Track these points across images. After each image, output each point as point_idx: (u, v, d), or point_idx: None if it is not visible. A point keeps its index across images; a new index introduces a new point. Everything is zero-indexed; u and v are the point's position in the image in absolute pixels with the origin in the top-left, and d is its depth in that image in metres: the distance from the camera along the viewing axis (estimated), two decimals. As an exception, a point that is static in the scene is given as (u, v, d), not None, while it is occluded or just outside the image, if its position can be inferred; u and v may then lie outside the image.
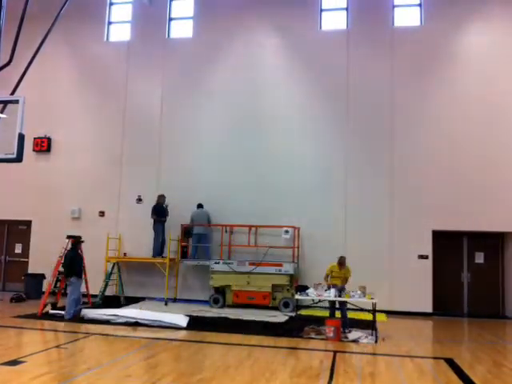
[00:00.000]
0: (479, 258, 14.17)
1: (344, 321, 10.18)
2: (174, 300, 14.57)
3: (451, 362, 8.00)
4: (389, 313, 13.12)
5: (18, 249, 16.76)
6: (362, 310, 10.45)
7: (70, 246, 12.25)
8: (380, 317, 11.75)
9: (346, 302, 10.24)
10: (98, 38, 16.74)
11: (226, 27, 15.47)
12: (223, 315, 12.08)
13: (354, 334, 9.78)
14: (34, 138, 16.16)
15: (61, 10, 9.23)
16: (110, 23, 17.01)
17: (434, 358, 8.69)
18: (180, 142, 15.59)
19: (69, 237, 12.64)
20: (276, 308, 13.26)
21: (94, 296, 14.02)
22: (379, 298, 10.25)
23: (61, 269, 12.54)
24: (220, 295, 13.69)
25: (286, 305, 13.16)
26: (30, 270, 15.77)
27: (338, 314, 11.25)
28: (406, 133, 14.23)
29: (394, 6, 15.03)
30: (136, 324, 10.58)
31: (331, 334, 9.47)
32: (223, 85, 15.44)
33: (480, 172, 13.68)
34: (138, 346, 8.73)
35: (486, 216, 13.50)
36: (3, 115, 7.53)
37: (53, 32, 9.18)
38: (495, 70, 13.97)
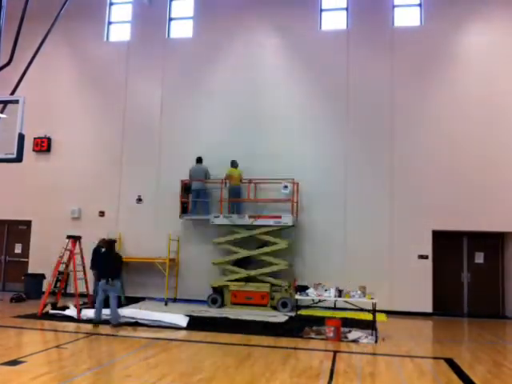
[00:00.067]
0: (479, 258, 14.18)
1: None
2: (174, 300, 14.59)
3: (451, 362, 7.99)
4: (389, 313, 13.12)
5: (18, 249, 16.76)
6: (361, 309, 10.45)
7: (98, 247, 12.29)
8: (380, 317, 11.75)
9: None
10: (98, 38, 16.75)
11: (225, 27, 15.48)
12: (223, 315, 12.08)
13: (354, 334, 9.77)
14: (34, 138, 16.16)
15: (61, 10, 9.22)
16: (109, 23, 17.02)
17: (434, 358, 8.68)
18: (180, 141, 15.60)
19: (69, 237, 12.59)
20: (274, 308, 13.27)
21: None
22: (379, 298, 10.26)
23: (61, 268, 12.47)
24: (218, 295, 13.69)
25: (284, 305, 13.16)
26: (30, 270, 15.77)
27: (336, 314, 11.28)
28: (406, 133, 14.23)
29: (393, 6, 15.04)
30: (136, 324, 10.58)
31: (331, 334, 9.46)
32: (223, 85, 15.44)
33: (480, 172, 13.69)
34: (138, 346, 8.73)
35: (485, 216, 13.50)
36: (3, 115, 7.53)
37: (53, 32, 9.18)
38: (495, 70, 13.98)
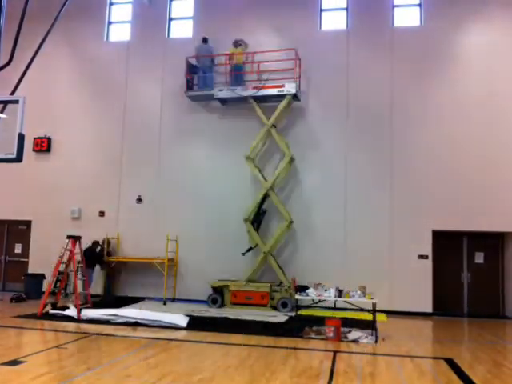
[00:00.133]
0: (479, 258, 14.18)
1: None
2: (173, 300, 14.60)
3: (451, 362, 7.99)
4: (389, 313, 13.12)
5: (18, 249, 16.76)
6: (362, 310, 10.44)
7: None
8: (380, 317, 11.75)
9: None
10: (98, 38, 16.75)
11: (225, 27, 15.46)
12: (223, 315, 12.08)
13: (353, 334, 9.77)
14: (34, 138, 16.17)
15: (61, 10, 9.22)
16: (109, 23, 17.02)
17: (434, 358, 8.68)
18: (180, 141, 15.59)
19: (69, 237, 12.59)
20: (274, 308, 13.27)
21: (94, 296, 14.06)
22: (379, 298, 10.25)
23: (61, 268, 12.52)
24: (218, 295, 13.69)
25: (284, 305, 13.16)
26: (30, 270, 15.77)
27: (336, 314, 11.29)
28: (406, 133, 14.23)
29: (393, 6, 15.03)
30: (136, 324, 10.58)
31: (331, 334, 9.47)
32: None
33: (480, 172, 13.68)
34: (138, 346, 8.73)
35: (485, 216, 13.50)
36: (3, 115, 7.52)
37: (53, 32, 9.17)
38: (495, 70, 13.97)
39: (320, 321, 10.49)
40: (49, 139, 16.36)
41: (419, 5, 14.91)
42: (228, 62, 14.84)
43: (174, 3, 16.68)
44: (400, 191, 14.07)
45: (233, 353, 8.34)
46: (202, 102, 15.45)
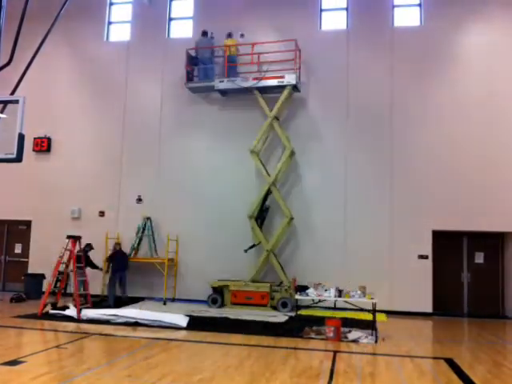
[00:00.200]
0: (479, 258, 14.18)
1: None
2: (173, 300, 14.60)
3: (451, 362, 7.99)
4: (389, 313, 13.12)
5: (18, 249, 16.76)
6: (362, 310, 10.44)
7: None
8: (380, 317, 11.75)
9: None
10: (98, 38, 16.75)
11: (225, 27, 15.42)
12: (223, 315, 12.08)
13: (353, 334, 9.77)
14: (34, 138, 16.17)
15: (61, 9, 9.21)
16: (109, 23, 17.02)
17: (434, 358, 8.68)
18: (180, 141, 15.60)
19: (69, 237, 12.59)
20: (274, 308, 13.27)
21: (94, 296, 14.06)
22: (379, 298, 10.25)
23: (61, 268, 12.56)
24: (218, 295, 13.69)
25: (284, 305, 13.16)
26: (30, 270, 15.77)
27: (336, 314, 11.29)
28: (406, 133, 14.23)
29: (393, 6, 15.03)
30: (136, 324, 10.59)
31: (331, 334, 9.46)
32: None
33: (480, 172, 13.68)
34: (138, 346, 8.73)
35: (486, 216, 13.50)
36: (3, 115, 7.52)
37: (53, 32, 9.16)
38: (495, 70, 13.97)
39: (320, 321, 10.49)
40: (49, 139, 16.36)
41: (419, 5, 14.91)
42: (222, 54, 15.03)
43: (173, 3, 16.68)
44: (400, 191, 14.07)
45: (233, 353, 8.34)
46: (203, 93, 15.49)
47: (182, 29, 16.38)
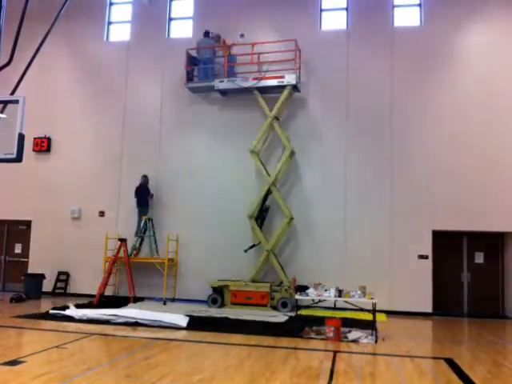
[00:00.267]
0: (479, 258, 14.18)
1: None
2: (173, 300, 14.60)
3: (451, 362, 7.98)
4: (389, 313, 13.12)
5: (18, 249, 16.76)
6: (362, 310, 10.44)
7: None
8: (380, 317, 11.75)
9: None
10: (98, 38, 16.76)
11: (225, 27, 15.45)
12: (223, 315, 12.08)
13: (353, 334, 9.76)
14: (34, 138, 16.17)
15: (61, 9, 9.22)
16: (109, 23, 17.03)
17: (434, 358, 8.68)
18: (180, 141, 15.60)
19: (121, 240, 14.14)
20: (274, 308, 13.27)
21: (93, 296, 14.07)
22: (379, 298, 10.24)
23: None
24: (218, 295, 13.69)
25: (284, 305, 13.16)
26: (30, 270, 15.77)
27: (336, 314, 11.29)
28: (406, 133, 14.23)
29: (393, 6, 15.04)
30: (136, 324, 10.58)
31: (331, 334, 9.46)
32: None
33: (480, 172, 13.68)
34: (138, 346, 8.72)
35: (486, 216, 13.50)
36: (3, 115, 7.52)
37: (53, 32, 9.17)
38: (495, 70, 13.97)
39: (320, 321, 10.48)
40: (49, 139, 16.37)
41: (419, 5, 14.92)
42: (222, 55, 15.05)
43: (173, 3, 16.69)
44: (400, 191, 14.07)
45: (233, 353, 8.33)
46: (203, 93, 15.50)
47: (182, 29, 16.39)
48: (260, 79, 14.37)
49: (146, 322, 10.63)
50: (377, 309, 10.12)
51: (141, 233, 14.87)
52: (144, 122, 15.92)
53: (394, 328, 11.37)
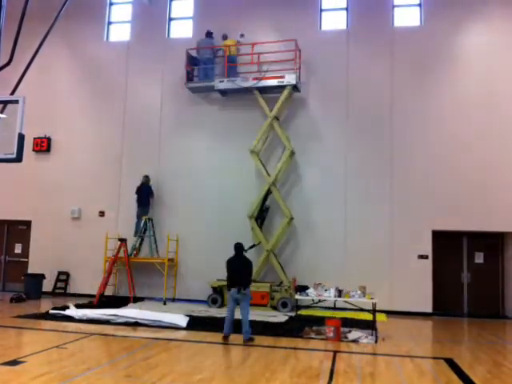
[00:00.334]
0: (479, 258, 14.17)
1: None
2: (173, 300, 14.60)
3: (451, 362, 7.99)
4: (389, 313, 13.12)
5: (18, 249, 16.76)
6: (362, 310, 10.44)
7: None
8: (380, 317, 11.75)
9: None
10: (98, 38, 16.75)
11: (225, 27, 15.45)
12: (223, 315, 12.04)
13: (353, 334, 9.77)
14: (34, 138, 16.17)
15: (61, 9, 9.21)
16: (109, 23, 17.03)
17: (434, 358, 8.68)
18: (180, 141, 15.60)
19: (121, 240, 14.22)
20: (274, 308, 13.27)
21: (93, 296, 14.07)
22: (379, 298, 10.25)
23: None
24: (218, 295, 13.69)
25: (284, 305, 13.16)
26: (30, 270, 15.77)
27: (336, 314, 11.29)
28: (406, 133, 14.23)
29: (393, 6, 15.04)
30: (136, 324, 10.58)
31: (331, 334, 9.46)
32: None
33: (480, 172, 13.68)
34: (138, 346, 8.73)
35: (485, 216, 13.50)
36: (3, 115, 7.52)
37: (53, 32, 9.16)
38: (495, 70, 13.97)
39: (320, 321, 10.49)
40: (49, 139, 16.36)
41: (419, 5, 14.91)
42: (222, 54, 15.02)
43: (173, 3, 16.69)
44: (400, 191, 14.06)
45: (233, 353, 8.33)
46: (202, 93, 15.51)
47: (182, 29, 16.39)
48: (260, 79, 14.37)
49: (145, 322, 10.63)
50: (377, 309, 10.12)
51: (141, 233, 14.86)
52: (144, 122, 15.92)
53: (393, 328, 11.38)
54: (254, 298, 13.23)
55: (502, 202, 13.50)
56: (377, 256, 13.87)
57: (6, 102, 7.57)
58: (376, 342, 9.48)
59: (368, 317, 10.58)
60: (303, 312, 11.56)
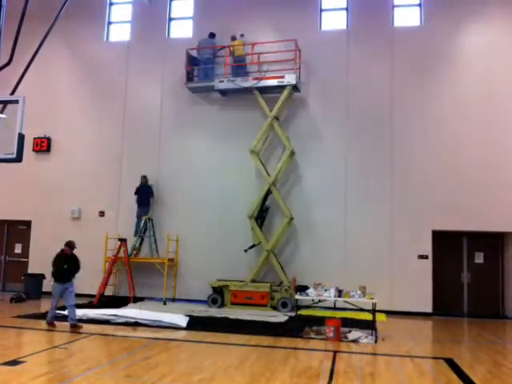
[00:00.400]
0: (479, 258, 14.18)
1: None
2: (173, 300, 14.60)
3: (451, 362, 7.99)
4: (389, 313, 13.12)
5: (18, 249, 16.77)
6: (362, 310, 10.44)
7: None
8: (380, 317, 11.75)
9: None
10: (98, 38, 16.75)
11: (225, 27, 15.45)
12: (223, 315, 12.07)
13: (353, 334, 9.77)
14: (34, 138, 16.16)
15: (61, 9, 9.20)
16: (109, 23, 17.02)
17: (434, 358, 8.68)
18: (180, 141, 15.60)
19: (121, 240, 14.39)
20: (274, 308, 13.27)
21: (93, 296, 14.07)
22: (379, 298, 10.25)
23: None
24: (218, 295, 13.69)
25: (284, 305, 13.16)
26: (30, 270, 15.77)
27: (336, 314, 11.29)
28: (406, 133, 14.23)
29: (393, 6, 15.04)
30: (136, 324, 10.58)
31: (331, 334, 9.46)
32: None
33: (480, 172, 13.68)
34: (138, 346, 8.73)
35: (486, 216, 13.50)
36: (3, 115, 7.52)
37: (53, 32, 9.15)
38: (495, 70, 13.97)
39: (320, 321, 10.48)
40: (49, 139, 16.36)
41: (419, 5, 14.91)
42: (228, 54, 14.97)
43: (173, 3, 16.68)
44: (400, 191, 14.06)
45: (233, 353, 8.34)
46: (202, 93, 15.51)
47: (182, 29, 16.39)
48: (260, 79, 14.37)
49: (145, 322, 10.63)
50: (377, 309, 10.13)
51: (141, 233, 14.86)
52: (144, 122, 15.92)
53: (393, 328, 11.38)
54: (254, 297, 13.39)
55: (502, 202, 13.50)
56: (377, 256, 13.87)
57: (5, 102, 7.56)
58: (376, 342, 9.48)
59: (368, 317, 10.57)
60: (303, 312, 11.55)
